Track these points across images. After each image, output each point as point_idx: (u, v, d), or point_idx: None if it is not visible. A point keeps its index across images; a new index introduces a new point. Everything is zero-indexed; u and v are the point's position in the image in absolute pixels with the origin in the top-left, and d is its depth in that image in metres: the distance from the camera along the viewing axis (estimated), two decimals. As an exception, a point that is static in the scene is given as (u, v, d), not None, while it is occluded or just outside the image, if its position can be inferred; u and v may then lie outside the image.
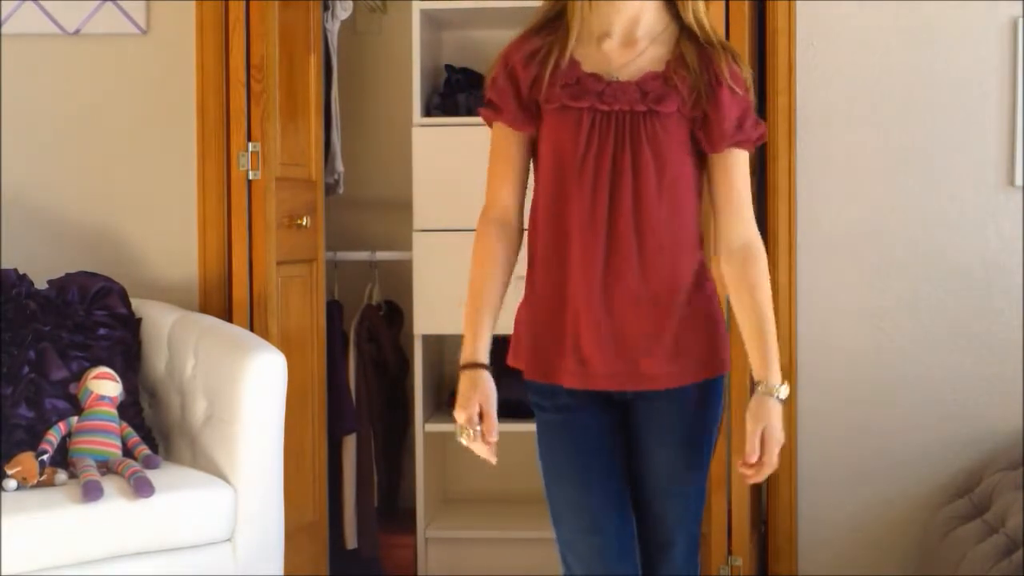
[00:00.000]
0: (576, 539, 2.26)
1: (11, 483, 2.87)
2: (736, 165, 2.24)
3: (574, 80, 2.21)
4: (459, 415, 2.23)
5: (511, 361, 2.31)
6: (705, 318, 2.26)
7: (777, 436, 2.22)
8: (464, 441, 2.24)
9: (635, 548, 2.28)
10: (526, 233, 2.31)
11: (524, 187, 2.32)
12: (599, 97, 2.19)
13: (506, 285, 2.29)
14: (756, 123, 2.26)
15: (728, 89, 2.20)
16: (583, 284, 2.20)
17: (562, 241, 2.22)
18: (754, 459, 2.21)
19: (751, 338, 2.25)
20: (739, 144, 2.23)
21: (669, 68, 2.21)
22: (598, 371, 2.22)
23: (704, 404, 2.30)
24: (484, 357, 2.26)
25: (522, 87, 2.25)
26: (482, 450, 2.23)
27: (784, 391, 2.24)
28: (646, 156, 2.17)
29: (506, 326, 2.32)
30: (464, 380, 2.24)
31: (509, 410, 3.91)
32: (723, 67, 2.20)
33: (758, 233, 2.27)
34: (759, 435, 2.22)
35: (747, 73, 2.24)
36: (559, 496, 2.27)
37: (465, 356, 2.25)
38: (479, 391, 2.22)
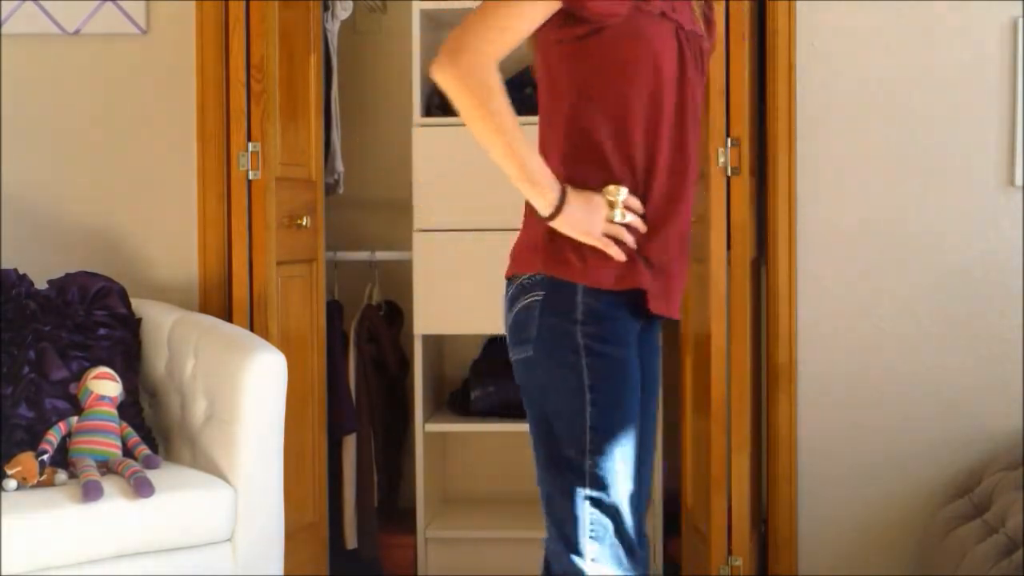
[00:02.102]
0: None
1: (11, 483, 2.87)
2: None
3: None
4: (604, 217, 2.10)
5: (590, 278, 2.13)
6: None
7: None
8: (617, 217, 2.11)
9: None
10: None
11: None
12: (676, 12, 2.16)
13: None
14: None
15: None
16: (679, 207, 2.18)
17: (669, 173, 2.16)
18: None
19: None
20: None
21: None
22: (675, 300, 2.23)
23: None
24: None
25: None
26: (637, 222, 2.13)
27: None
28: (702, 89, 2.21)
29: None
30: (575, 202, 2.09)
31: (509, 410, 3.94)
32: None
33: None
34: None
35: None
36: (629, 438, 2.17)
37: (554, 193, 2.08)
38: (592, 195, 2.11)
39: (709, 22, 2.26)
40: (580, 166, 2.14)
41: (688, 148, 2.19)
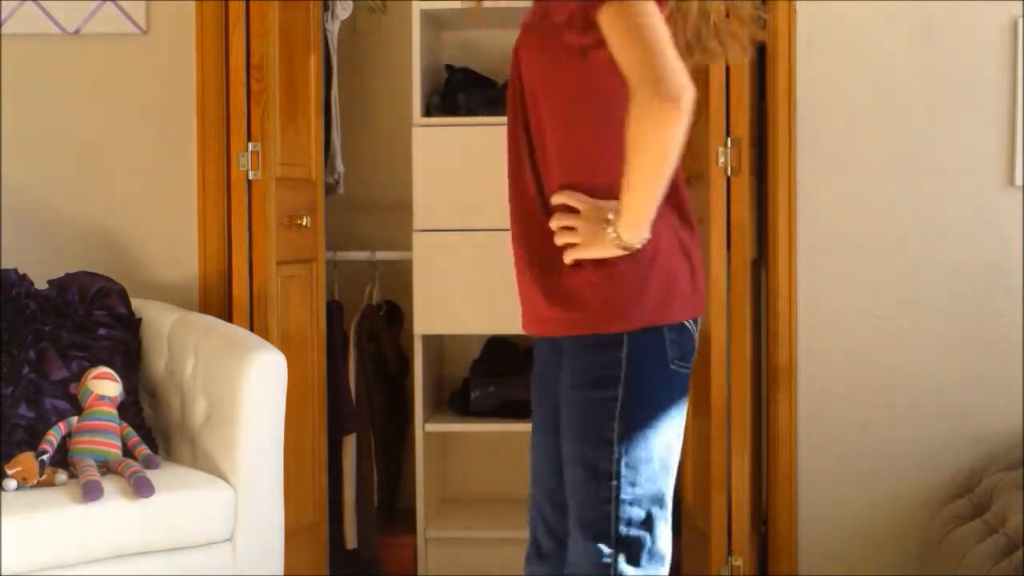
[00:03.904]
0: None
1: (11, 483, 2.87)
2: (608, 28, 1.97)
3: None
4: None
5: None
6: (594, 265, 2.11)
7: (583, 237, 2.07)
8: None
9: None
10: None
11: None
12: None
13: None
14: None
15: None
16: None
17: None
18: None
19: None
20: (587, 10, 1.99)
21: None
22: None
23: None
24: None
25: None
26: None
27: (612, 233, 2.04)
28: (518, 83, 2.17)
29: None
30: None
31: (509, 410, 3.95)
32: None
33: (639, 75, 1.91)
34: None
35: None
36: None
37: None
38: None
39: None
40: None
41: None
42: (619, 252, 2.05)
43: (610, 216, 2.03)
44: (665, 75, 1.90)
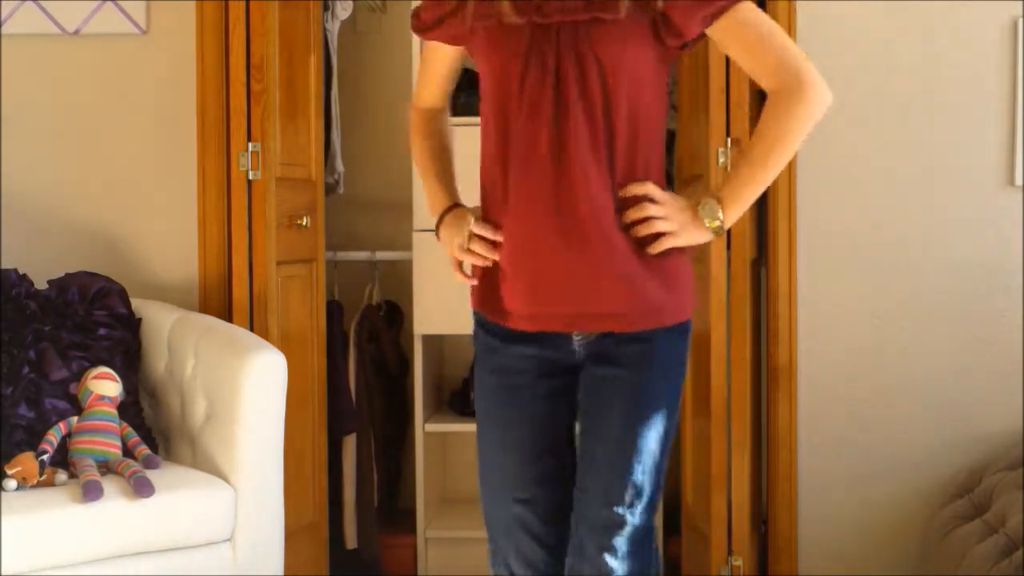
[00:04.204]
0: None
1: (11, 483, 2.87)
2: (738, 26, 2.05)
3: None
4: (452, 250, 2.25)
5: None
6: None
7: (664, 217, 2.09)
8: (468, 261, 2.23)
9: None
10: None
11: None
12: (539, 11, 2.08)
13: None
14: None
15: None
16: None
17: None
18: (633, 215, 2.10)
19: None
20: (719, 11, 2.04)
21: None
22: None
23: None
24: (452, 199, 2.28)
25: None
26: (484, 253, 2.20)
27: (713, 222, 2.09)
28: (593, 74, 2.05)
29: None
30: (444, 226, 2.27)
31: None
32: None
33: (796, 69, 2.04)
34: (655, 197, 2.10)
35: None
36: None
37: (435, 211, 2.29)
38: (463, 220, 2.21)
39: None
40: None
41: None
42: (711, 238, 2.12)
43: (708, 202, 2.08)
44: (809, 66, 2.04)
